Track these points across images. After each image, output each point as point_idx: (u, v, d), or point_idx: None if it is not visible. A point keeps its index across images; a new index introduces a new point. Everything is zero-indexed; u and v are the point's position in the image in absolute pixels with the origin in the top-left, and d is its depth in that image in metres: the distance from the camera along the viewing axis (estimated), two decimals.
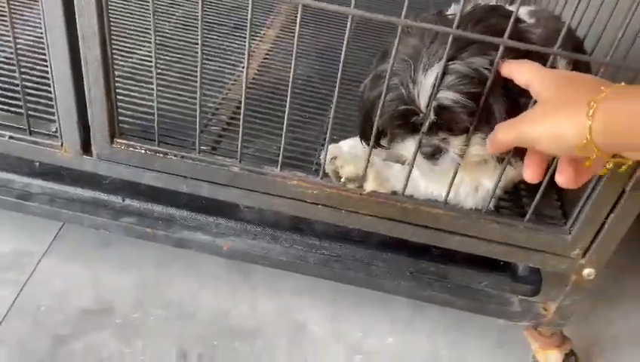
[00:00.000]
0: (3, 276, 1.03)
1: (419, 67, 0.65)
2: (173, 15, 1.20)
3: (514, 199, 0.86)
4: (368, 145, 0.73)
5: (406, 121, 0.68)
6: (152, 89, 0.73)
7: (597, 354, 1.07)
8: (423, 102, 0.65)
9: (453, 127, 0.67)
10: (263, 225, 0.93)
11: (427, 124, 0.66)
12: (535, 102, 0.60)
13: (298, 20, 0.62)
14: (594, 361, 1.06)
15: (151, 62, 0.71)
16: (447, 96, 0.64)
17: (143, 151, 0.80)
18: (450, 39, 0.61)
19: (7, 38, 0.92)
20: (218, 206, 0.92)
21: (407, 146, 0.71)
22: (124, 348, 0.95)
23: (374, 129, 0.70)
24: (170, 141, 0.82)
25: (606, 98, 0.51)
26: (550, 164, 0.65)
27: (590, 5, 0.92)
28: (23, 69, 0.80)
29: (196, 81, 0.71)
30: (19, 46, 0.76)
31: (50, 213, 0.94)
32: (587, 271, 0.80)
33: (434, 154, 0.69)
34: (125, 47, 1.06)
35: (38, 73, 0.93)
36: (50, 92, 0.77)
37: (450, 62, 0.63)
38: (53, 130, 0.82)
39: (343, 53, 0.64)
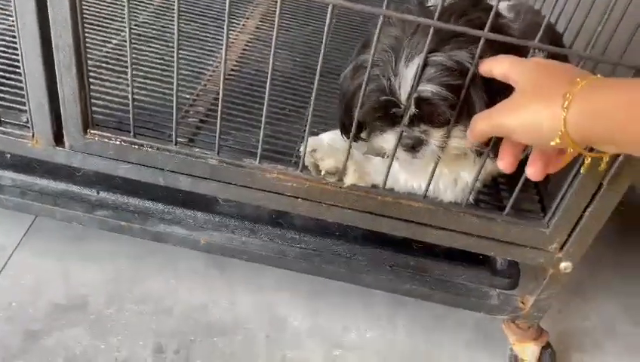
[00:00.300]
0: None
1: (400, 58, 0.64)
2: (152, 4, 1.18)
3: (493, 193, 0.86)
4: (348, 138, 0.72)
5: (386, 113, 0.68)
6: (127, 79, 0.71)
7: (574, 348, 1.09)
8: (404, 93, 0.65)
9: (433, 119, 0.67)
10: (241, 219, 0.92)
11: (408, 116, 0.66)
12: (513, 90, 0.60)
13: (278, 11, 0.62)
14: (571, 354, 1.08)
15: (126, 51, 0.69)
16: (428, 89, 0.63)
17: (118, 143, 0.78)
18: (431, 31, 0.61)
19: None
20: (196, 199, 0.91)
21: (388, 139, 0.71)
22: (98, 344, 0.93)
23: (355, 120, 0.69)
24: (147, 133, 0.80)
25: (582, 90, 0.51)
26: (526, 157, 0.65)
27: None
28: None
29: (173, 72, 0.69)
30: None
31: (21, 205, 0.92)
32: (564, 265, 0.81)
33: (414, 147, 0.69)
34: (99, 34, 1.03)
35: (7, 61, 0.91)
36: (20, 81, 0.74)
37: (432, 55, 0.63)
38: (24, 120, 0.79)
39: (323, 45, 0.63)
